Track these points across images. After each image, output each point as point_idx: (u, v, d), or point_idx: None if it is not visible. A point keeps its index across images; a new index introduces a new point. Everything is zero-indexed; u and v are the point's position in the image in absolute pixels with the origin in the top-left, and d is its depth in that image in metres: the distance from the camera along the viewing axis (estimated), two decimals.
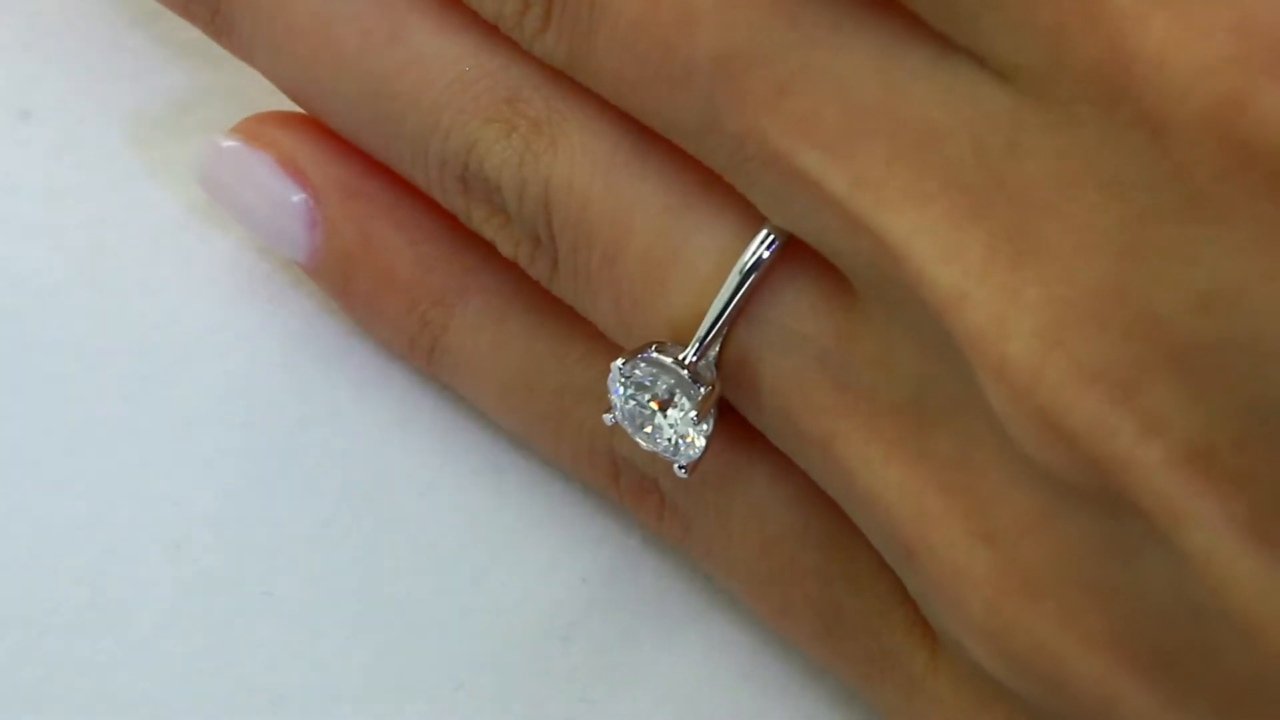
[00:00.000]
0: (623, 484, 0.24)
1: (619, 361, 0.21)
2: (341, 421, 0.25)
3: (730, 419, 0.22)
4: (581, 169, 0.21)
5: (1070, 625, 0.19)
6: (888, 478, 0.20)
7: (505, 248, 0.23)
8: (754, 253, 0.20)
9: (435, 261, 0.24)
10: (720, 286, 0.20)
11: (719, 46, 0.19)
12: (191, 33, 0.25)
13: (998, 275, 0.18)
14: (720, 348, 0.21)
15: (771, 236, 0.20)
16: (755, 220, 0.20)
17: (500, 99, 0.22)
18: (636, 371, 0.21)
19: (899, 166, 0.19)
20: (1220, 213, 0.16)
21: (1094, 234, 0.17)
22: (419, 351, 0.24)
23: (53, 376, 0.24)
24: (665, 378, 0.21)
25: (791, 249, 0.20)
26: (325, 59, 0.23)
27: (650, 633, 0.24)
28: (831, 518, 0.22)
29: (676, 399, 0.21)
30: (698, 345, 0.21)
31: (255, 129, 0.24)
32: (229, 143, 0.24)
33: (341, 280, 0.24)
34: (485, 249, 0.23)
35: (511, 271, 0.23)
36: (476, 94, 0.22)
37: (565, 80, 0.21)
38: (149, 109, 0.26)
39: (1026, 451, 0.18)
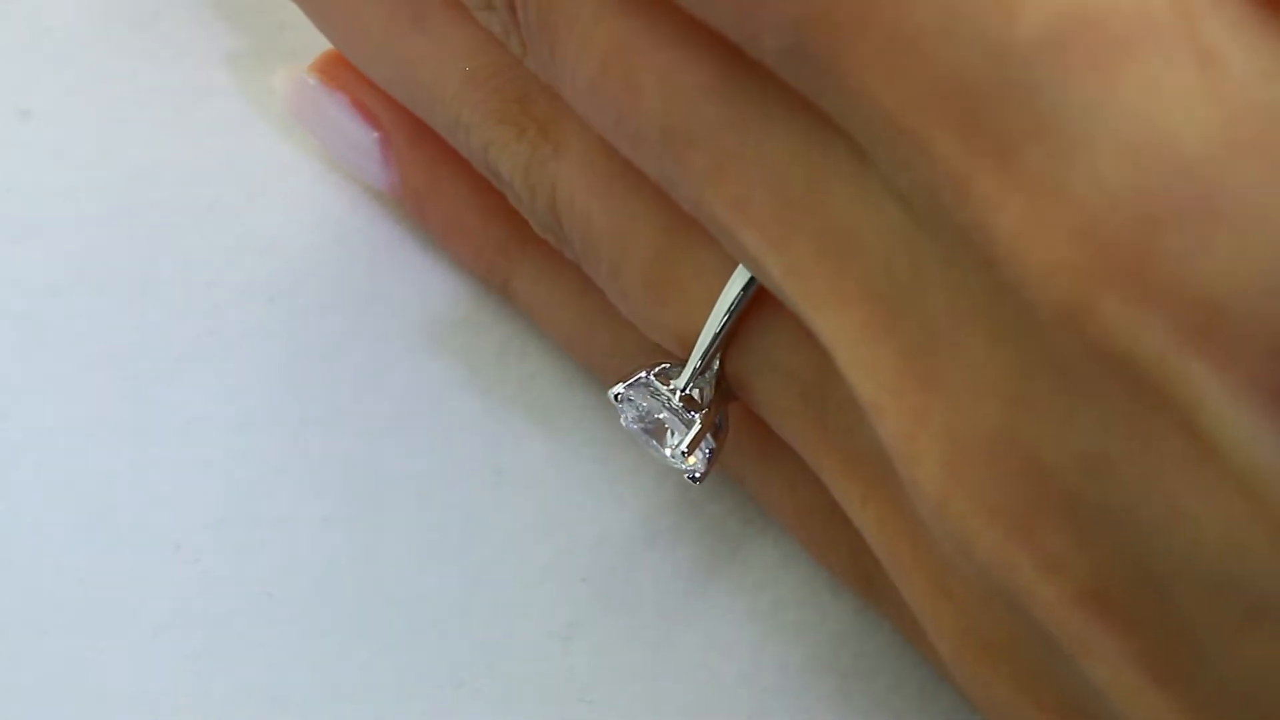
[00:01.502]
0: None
1: (616, 389, 0.22)
2: (341, 421, 0.25)
3: None
4: (581, 184, 0.22)
5: (1024, 690, 0.19)
6: (866, 516, 0.20)
7: (536, 230, 0.23)
8: (738, 285, 0.20)
9: (495, 211, 0.24)
10: (711, 310, 0.21)
11: (662, 120, 0.19)
12: (191, 32, 0.25)
13: (908, 395, 0.18)
14: (720, 363, 0.21)
15: (743, 285, 0.20)
16: None
17: (510, 98, 0.22)
18: (632, 399, 0.22)
19: (824, 263, 0.18)
20: (1088, 390, 0.16)
21: (985, 378, 0.17)
22: (494, 288, 0.25)
23: (53, 377, 0.24)
24: (660, 408, 0.21)
25: None
26: (358, 38, 0.23)
27: (650, 633, 0.24)
28: None
29: (672, 428, 0.22)
30: (693, 369, 0.21)
31: (331, 67, 0.25)
32: (310, 79, 0.25)
33: (418, 215, 0.25)
34: None
35: None
36: (488, 92, 0.22)
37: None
38: (149, 109, 0.26)
39: (953, 554, 0.18)
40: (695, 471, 0.22)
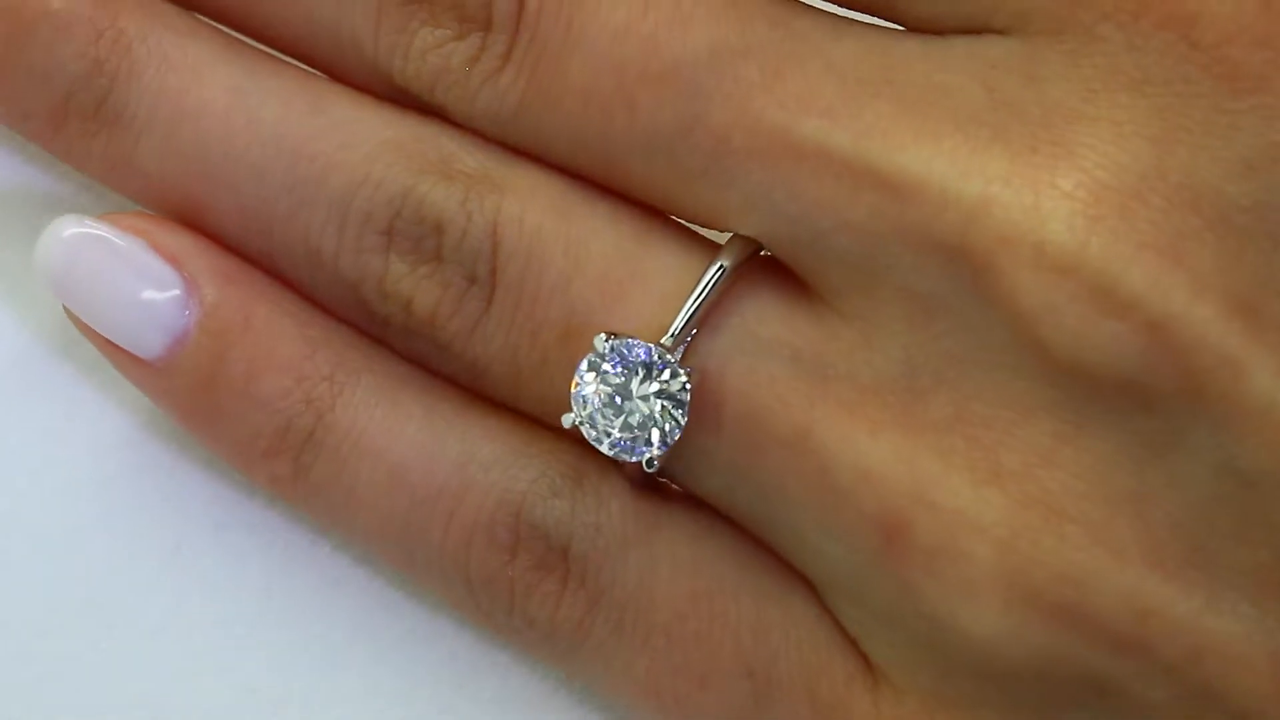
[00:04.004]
0: (519, 563, 0.22)
1: (602, 335, 0.21)
2: None
3: (652, 483, 0.22)
4: (532, 206, 0.21)
5: (1098, 542, 0.19)
6: (877, 449, 0.20)
7: (425, 300, 0.22)
8: (718, 267, 0.21)
9: (323, 343, 0.22)
10: (683, 302, 0.21)
11: (712, 40, 0.20)
12: None
13: (1025, 175, 0.19)
14: (680, 360, 0.21)
15: (721, 265, 0.21)
16: (712, 247, 0.21)
17: (432, 160, 0.22)
18: (622, 346, 0.21)
19: (907, 117, 0.20)
20: (1258, 81, 0.19)
21: (1127, 126, 0.19)
22: (293, 439, 0.22)
23: (53, 378, 0.24)
24: (650, 353, 0.21)
25: (748, 268, 0.21)
26: (239, 130, 0.22)
27: None
28: (766, 568, 0.22)
29: (661, 371, 0.21)
30: (671, 340, 0.21)
31: (121, 219, 0.23)
32: (102, 228, 0.23)
33: (209, 367, 0.22)
34: (374, 341, 0.23)
35: (404, 361, 0.23)
36: (409, 153, 0.22)
37: (498, 149, 0.22)
38: None
39: (1066, 345, 0.19)
40: (661, 448, 0.21)
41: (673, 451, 0.21)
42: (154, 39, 0.22)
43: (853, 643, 0.21)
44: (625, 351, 0.21)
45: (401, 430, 0.22)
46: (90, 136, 0.23)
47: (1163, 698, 0.19)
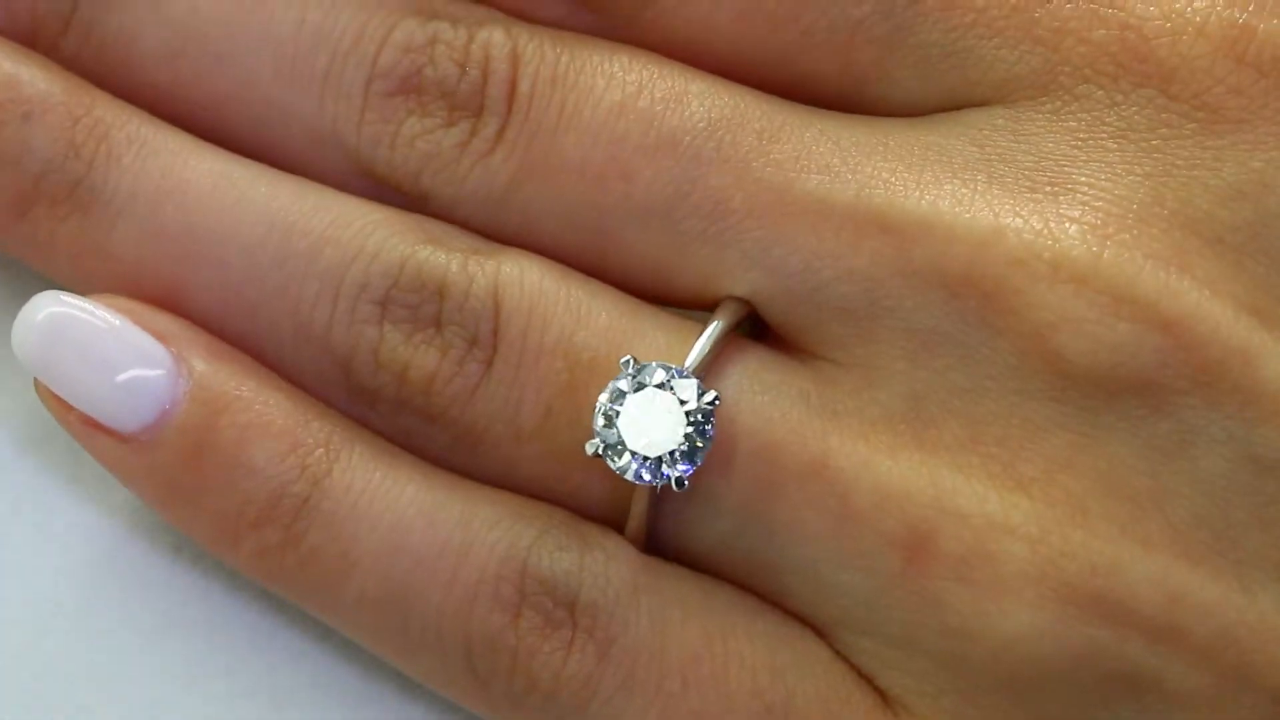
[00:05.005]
0: (524, 622, 0.21)
1: (629, 358, 0.21)
2: None
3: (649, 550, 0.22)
4: (531, 270, 0.21)
5: (1125, 534, 0.20)
6: (896, 469, 0.20)
7: (423, 365, 0.21)
8: (716, 323, 0.21)
9: (316, 415, 0.22)
10: (687, 351, 0.21)
11: (708, 112, 0.21)
12: None
13: (1030, 206, 0.20)
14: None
15: (719, 321, 0.21)
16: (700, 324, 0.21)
17: (424, 236, 0.22)
18: (644, 368, 0.21)
19: (906, 170, 0.21)
20: (1236, 124, 0.20)
21: (1119, 166, 0.20)
22: (286, 506, 0.21)
23: None
24: (675, 373, 0.21)
25: (738, 337, 0.21)
26: (227, 208, 0.22)
27: None
28: (774, 615, 0.22)
29: (685, 389, 0.21)
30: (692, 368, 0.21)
31: (101, 298, 0.22)
32: (88, 305, 0.22)
33: (197, 436, 0.22)
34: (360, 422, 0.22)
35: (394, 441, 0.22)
36: (401, 230, 0.22)
37: (483, 238, 0.22)
38: None
39: (1084, 352, 0.20)
40: (692, 464, 0.21)
41: (681, 496, 0.21)
42: (132, 126, 0.22)
43: (868, 680, 0.21)
44: (649, 374, 0.21)
45: (401, 492, 0.22)
46: (59, 221, 0.22)
47: (1197, 685, 0.20)
